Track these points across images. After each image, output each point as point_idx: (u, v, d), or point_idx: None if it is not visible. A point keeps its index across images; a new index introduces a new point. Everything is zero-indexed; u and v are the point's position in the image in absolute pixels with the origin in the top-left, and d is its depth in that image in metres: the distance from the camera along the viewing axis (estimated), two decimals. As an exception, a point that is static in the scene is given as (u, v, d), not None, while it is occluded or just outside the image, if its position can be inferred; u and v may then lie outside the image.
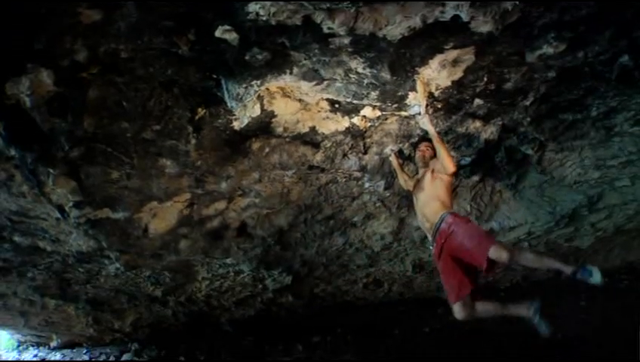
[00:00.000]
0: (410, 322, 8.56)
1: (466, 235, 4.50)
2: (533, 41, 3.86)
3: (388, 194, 6.38)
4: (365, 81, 4.21)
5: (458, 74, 4.27)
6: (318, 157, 5.50)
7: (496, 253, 4.21)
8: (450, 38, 3.76)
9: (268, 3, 3.27)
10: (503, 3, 3.36)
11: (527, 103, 4.85)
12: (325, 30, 3.53)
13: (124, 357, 8.26)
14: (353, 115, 4.87)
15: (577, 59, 4.14)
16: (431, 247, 4.98)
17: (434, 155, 5.02)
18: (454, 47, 3.89)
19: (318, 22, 3.45)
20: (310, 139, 5.25)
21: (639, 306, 6.35)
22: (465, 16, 3.41)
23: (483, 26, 3.53)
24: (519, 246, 4.67)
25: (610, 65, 4.29)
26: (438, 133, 4.84)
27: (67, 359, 8.57)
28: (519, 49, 3.99)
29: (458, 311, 4.58)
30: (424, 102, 4.48)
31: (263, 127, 4.86)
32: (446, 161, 4.67)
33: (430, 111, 4.75)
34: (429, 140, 5.02)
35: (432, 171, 4.89)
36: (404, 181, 5.53)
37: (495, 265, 4.41)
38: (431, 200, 4.85)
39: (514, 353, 6.37)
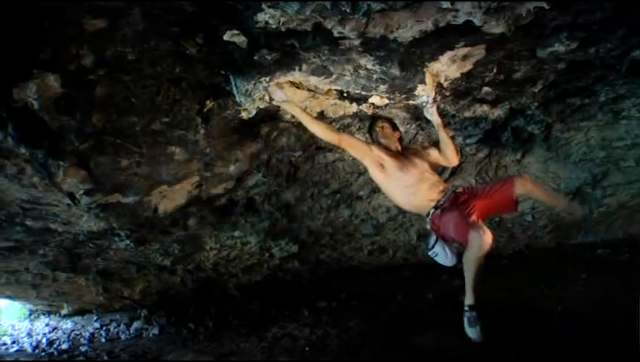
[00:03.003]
0: (414, 288, 8.66)
1: (488, 188, 4.66)
2: (545, 39, 3.81)
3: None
4: (375, 76, 4.18)
5: (468, 67, 4.22)
6: (326, 137, 5.53)
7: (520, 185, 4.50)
8: (461, 38, 3.72)
9: (278, 13, 3.26)
10: (516, 9, 3.33)
11: (536, 90, 4.81)
12: (336, 34, 3.50)
13: (135, 324, 8.42)
14: (361, 102, 4.85)
15: (588, 54, 4.09)
16: (433, 211, 4.58)
17: (397, 133, 4.91)
18: (465, 46, 3.86)
19: (329, 27, 3.42)
20: (317, 123, 5.27)
21: (640, 280, 6.38)
22: (478, 22, 3.37)
23: (495, 28, 3.48)
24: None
25: (621, 58, 4.26)
26: (444, 123, 4.83)
27: (78, 326, 8.73)
28: (531, 46, 3.96)
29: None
30: (432, 93, 4.45)
31: (272, 114, 4.91)
32: (451, 153, 4.73)
33: (438, 98, 4.74)
34: (380, 118, 5.00)
35: (416, 152, 4.87)
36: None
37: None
38: (432, 171, 4.78)
39: (513, 323, 6.44)
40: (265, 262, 8.44)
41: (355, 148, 4.74)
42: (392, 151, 4.76)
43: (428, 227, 4.69)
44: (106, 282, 7.94)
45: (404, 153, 4.81)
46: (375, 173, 4.72)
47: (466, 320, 4.41)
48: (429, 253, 4.74)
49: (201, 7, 3.29)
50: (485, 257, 4.08)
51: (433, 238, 4.65)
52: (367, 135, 5.14)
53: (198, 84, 4.25)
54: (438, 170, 5.09)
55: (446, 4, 3.17)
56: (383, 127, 4.85)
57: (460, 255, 4.45)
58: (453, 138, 5.42)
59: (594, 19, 3.54)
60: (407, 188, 4.63)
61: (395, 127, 4.95)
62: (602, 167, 6.74)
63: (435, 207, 4.55)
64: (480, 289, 4.37)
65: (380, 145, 4.76)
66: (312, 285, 9.46)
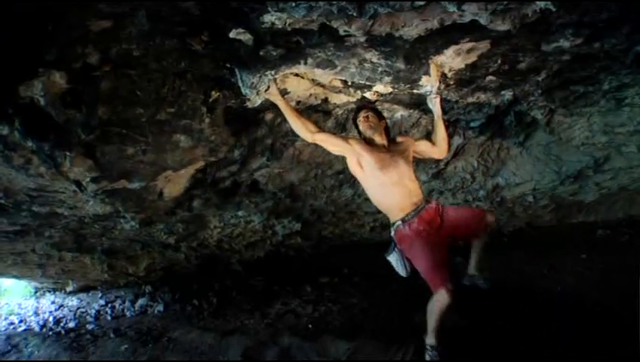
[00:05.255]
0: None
1: (459, 209, 4.71)
2: (550, 35, 3.81)
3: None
4: (380, 69, 4.20)
5: (472, 58, 4.21)
6: (330, 123, 5.58)
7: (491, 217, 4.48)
8: (466, 35, 3.73)
9: (284, 15, 3.26)
10: (522, 9, 3.32)
11: (540, 79, 4.81)
12: (342, 33, 3.52)
13: (140, 301, 8.52)
14: (366, 90, 4.87)
15: (593, 48, 4.09)
16: (400, 224, 4.41)
17: (382, 122, 4.72)
18: (470, 41, 3.87)
19: (335, 27, 3.43)
20: (322, 108, 5.30)
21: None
22: (484, 21, 3.37)
23: (501, 26, 3.48)
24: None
25: (626, 52, 4.26)
26: (444, 114, 4.80)
27: (84, 303, 8.82)
28: (535, 41, 3.95)
29: (448, 297, 4.06)
30: (437, 84, 4.46)
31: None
32: (444, 146, 4.71)
33: (442, 87, 4.74)
34: (365, 107, 4.80)
35: (404, 151, 4.61)
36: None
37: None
38: (413, 178, 4.54)
39: (512, 302, 6.50)
40: (268, 239, 8.53)
41: (333, 144, 4.57)
42: (376, 145, 4.56)
43: (391, 235, 4.54)
44: (111, 260, 8.02)
45: (390, 148, 4.59)
46: (354, 169, 4.57)
47: (427, 356, 4.38)
48: (386, 257, 4.70)
49: (207, 10, 3.30)
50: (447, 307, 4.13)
51: (392, 246, 4.61)
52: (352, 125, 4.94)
53: (204, 76, 4.26)
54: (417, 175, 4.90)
55: (453, 8, 3.17)
56: (367, 117, 4.63)
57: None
58: (449, 132, 5.30)
59: (600, 18, 3.55)
60: (383, 187, 4.46)
61: (380, 116, 4.76)
62: (604, 151, 6.74)
63: (402, 220, 4.38)
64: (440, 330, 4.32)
65: (362, 139, 4.62)
66: (314, 260, 9.55)
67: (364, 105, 4.97)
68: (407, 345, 5.66)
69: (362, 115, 4.65)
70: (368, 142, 4.57)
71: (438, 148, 4.74)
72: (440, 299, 4.11)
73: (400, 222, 4.39)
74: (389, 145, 4.61)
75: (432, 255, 4.24)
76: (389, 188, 4.41)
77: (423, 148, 4.79)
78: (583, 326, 5.45)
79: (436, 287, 4.14)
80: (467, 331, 5.67)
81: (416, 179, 4.55)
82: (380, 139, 4.57)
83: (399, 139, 4.77)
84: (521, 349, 5.19)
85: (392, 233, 4.50)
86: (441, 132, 4.66)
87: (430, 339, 4.36)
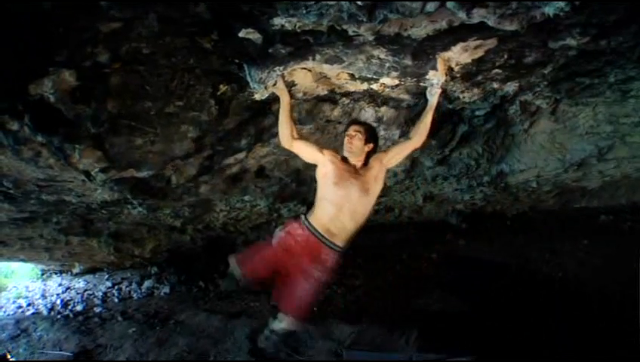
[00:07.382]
0: (419, 247, 8.77)
1: (307, 286, 4.36)
2: (557, 34, 3.83)
3: (402, 140, 6.47)
4: (387, 64, 4.23)
5: (479, 54, 4.21)
6: (336, 112, 5.59)
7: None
8: (474, 34, 3.75)
9: (294, 19, 3.29)
10: (531, 12, 3.33)
11: (546, 72, 4.83)
12: (350, 33, 3.54)
13: (146, 283, 8.60)
14: (372, 82, 4.88)
15: (600, 45, 4.12)
16: (281, 232, 4.52)
17: (368, 146, 4.50)
18: (477, 39, 3.89)
19: (344, 28, 3.46)
20: (329, 98, 5.32)
21: (641, 248, 6.45)
22: (492, 23, 3.39)
23: (509, 26, 3.49)
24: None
25: (633, 49, 4.28)
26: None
27: (91, 285, 8.90)
28: (543, 39, 3.97)
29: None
30: (443, 78, 4.49)
31: (283, 91, 4.93)
32: (424, 135, 4.59)
33: (448, 79, 4.75)
34: (359, 123, 4.65)
35: (370, 180, 4.48)
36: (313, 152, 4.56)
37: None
38: (358, 218, 4.45)
39: (514, 288, 6.55)
40: (273, 221, 8.57)
41: (307, 153, 4.53)
42: (347, 164, 4.47)
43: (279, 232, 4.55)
44: (118, 243, 8.08)
45: (359, 173, 4.46)
46: (319, 176, 4.50)
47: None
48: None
49: (218, 13, 3.33)
50: None
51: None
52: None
53: (212, 71, 4.28)
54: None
55: (462, 14, 3.19)
56: (352, 139, 4.44)
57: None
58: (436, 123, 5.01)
59: (607, 19, 3.57)
60: (326, 201, 4.41)
61: (370, 139, 4.52)
62: (608, 140, 6.75)
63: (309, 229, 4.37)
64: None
65: (337, 153, 4.55)
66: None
67: (358, 120, 5.05)
68: (410, 329, 5.73)
69: (351, 132, 4.49)
70: (343, 158, 4.51)
71: (417, 137, 4.59)
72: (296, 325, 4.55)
73: (307, 223, 4.43)
74: (361, 170, 4.50)
75: (313, 293, 4.40)
76: (329, 204, 4.38)
77: (395, 152, 4.69)
78: (583, 310, 5.52)
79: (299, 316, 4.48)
80: (469, 315, 5.73)
81: (357, 223, 4.47)
82: (356, 161, 4.50)
83: (372, 162, 4.59)
84: (522, 334, 5.26)
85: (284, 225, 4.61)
86: (426, 120, 4.57)
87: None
